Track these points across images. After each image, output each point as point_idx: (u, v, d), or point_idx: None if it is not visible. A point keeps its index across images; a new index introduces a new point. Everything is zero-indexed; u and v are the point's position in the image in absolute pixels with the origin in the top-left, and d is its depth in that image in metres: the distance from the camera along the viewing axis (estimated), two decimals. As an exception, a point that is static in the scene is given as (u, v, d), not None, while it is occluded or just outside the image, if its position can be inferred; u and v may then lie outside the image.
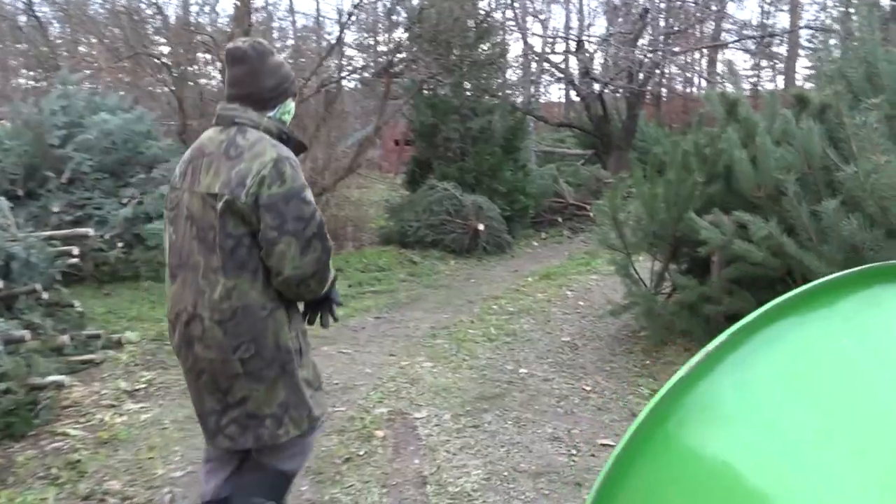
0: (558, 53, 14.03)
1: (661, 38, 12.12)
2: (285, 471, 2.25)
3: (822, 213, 4.18)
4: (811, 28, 19.06)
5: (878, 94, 4.66)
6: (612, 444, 3.55)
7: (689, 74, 30.34)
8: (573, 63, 14.99)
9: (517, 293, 6.86)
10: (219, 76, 9.19)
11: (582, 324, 5.71)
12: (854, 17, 6.02)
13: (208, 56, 9.27)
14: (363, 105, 13.64)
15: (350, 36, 11.99)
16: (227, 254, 2.01)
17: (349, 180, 10.29)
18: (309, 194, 2.08)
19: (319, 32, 14.29)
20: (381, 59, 11.19)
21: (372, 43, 13.34)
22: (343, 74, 9.82)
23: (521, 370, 4.61)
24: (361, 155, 10.21)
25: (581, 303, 6.42)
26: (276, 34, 13.97)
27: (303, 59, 10.72)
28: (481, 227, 8.90)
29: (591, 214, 11.51)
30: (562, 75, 13.86)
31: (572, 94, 19.44)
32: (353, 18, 10.46)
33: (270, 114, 2.16)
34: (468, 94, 10.12)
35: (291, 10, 20.15)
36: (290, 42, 14.14)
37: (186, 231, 2.08)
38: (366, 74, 10.82)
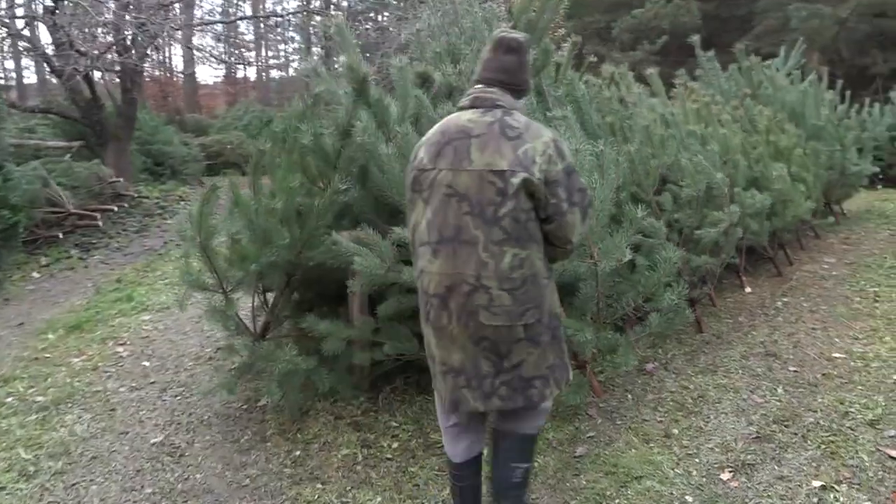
0: (19, 18, 10.71)
1: (153, 10, 10.14)
2: (531, 434, 2.47)
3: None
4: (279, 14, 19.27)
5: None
6: None
7: (165, 57, 28.40)
8: (41, 36, 11.80)
9: (39, 365, 4.52)
10: None
11: (168, 403, 3.88)
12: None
13: None
14: None
15: None
16: (521, 226, 2.14)
17: None
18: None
19: None
20: None
21: None
22: None
23: (106, 529, 2.69)
24: None
25: (147, 363, 4.50)
26: None
27: None
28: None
29: (100, 224, 9.14)
30: (31, 48, 10.61)
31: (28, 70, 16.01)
32: None
33: (518, 104, 2.31)
34: None
35: None
36: None
37: (453, 208, 2.16)
38: None
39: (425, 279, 2.24)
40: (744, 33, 17.00)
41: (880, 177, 11.69)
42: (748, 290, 5.97)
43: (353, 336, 3.56)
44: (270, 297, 4.14)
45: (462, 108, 2.30)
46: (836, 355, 4.42)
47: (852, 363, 4.28)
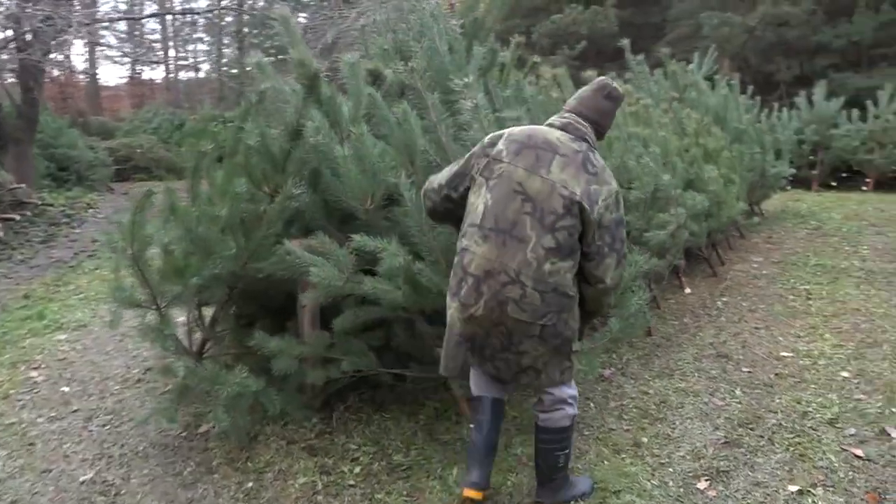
0: None
1: (58, 1, 9.38)
2: (564, 426, 2.66)
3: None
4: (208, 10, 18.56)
5: (440, 76, 3.88)
6: None
7: (65, 56, 26.81)
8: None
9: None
10: None
11: (96, 434, 3.49)
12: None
13: None
14: None
15: None
16: (572, 240, 2.39)
17: None
18: None
19: None
20: None
21: None
22: None
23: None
24: None
25: (67, 389, 4.07)
26: None
27: None
28: None
29: (1, 234, 8.43)
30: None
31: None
32: None
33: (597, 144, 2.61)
34: None
35: None
36: None
37: (515, 204, 2.38)
38: None
39: (467, 257, 2.45)
40: (658, 40, 17.47)
41: (789, 178, 12.23)
42: (688, 290, 6.02)
43: (306, 353, 3.30)
44: (205, 311, 3.84)
45: (552, 126, 2.57)
46: (784, 354, 4.47)
47: (801, 362, 4.33)
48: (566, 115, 2.60)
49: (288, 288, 3.49)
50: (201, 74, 32.63)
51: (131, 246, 3.13)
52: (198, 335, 3.73)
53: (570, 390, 2.68)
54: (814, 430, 3.45)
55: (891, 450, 3.24)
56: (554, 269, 2.37)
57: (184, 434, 3.40)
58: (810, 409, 3.68)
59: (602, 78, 2.67)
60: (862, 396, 3.82)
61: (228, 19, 27.81)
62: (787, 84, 16.45)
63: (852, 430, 3.43)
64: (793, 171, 9.70)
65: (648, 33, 18.89)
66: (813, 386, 3.96)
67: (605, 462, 3.15)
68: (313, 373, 3.31)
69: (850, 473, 3.04)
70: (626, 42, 8.14)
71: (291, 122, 3.23)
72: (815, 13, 16.16)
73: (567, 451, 2.73)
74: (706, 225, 6.03)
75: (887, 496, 2.88)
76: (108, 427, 3.52)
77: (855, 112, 12.89)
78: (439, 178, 2.70)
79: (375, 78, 3.72)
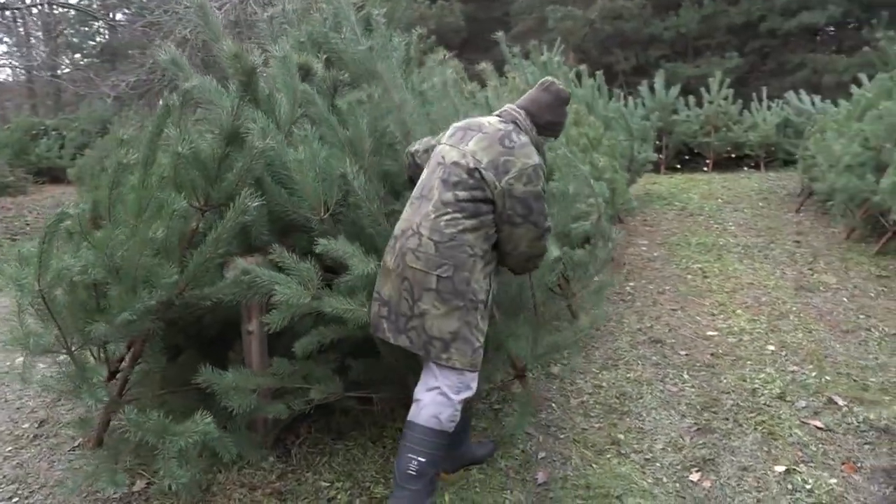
0: None
1: None
2: (431, 427, 2.43)
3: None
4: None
5: (358, 66, 3.60)
6: None
7: None
8: None
9: None
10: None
11: (-2, 510, 2.87)
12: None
13: None
14: None
15: None
16: (472, 204, 2.45)
17: None
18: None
19: None
20: None
21: None
22: None
23: None
24: None
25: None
26: None
27: None
28: None
29: None
30: None
31: None
32: None
33: (534, 135, 2.66)
34: None
35: None
36: None
37: (436, 173, 2.55)
38: None
39: (398, 226, 2.59)
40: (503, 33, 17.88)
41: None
42: (596, 277, 6.10)
43: (264, 385, 2.90)
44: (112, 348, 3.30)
45: (494, 114, 2.74)
46: (710, 333, 4.61)
47: (729, 339, 4.49)
48: (506, 106, 2.72)
49: (226, 314, 3.06)
50: (1, 78, 29.31)
51: (38, 281, 2.58)
52: (106, 375, 3.18)
53: (465, 388, 2.49)
54: (769, 406, 3.55)
55: (844, 417, 3.40)
56: (451, 221, 2.43)
57: (116, 496, 2.87)
58: (756, 385, 3.79)
59: (546, 77, 2.78)
60: (795, 368, 4.00)
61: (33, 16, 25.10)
62: (625, 74, 17.46)
63: (803, 403, 3.57)
64: (655, 156, 10.21)
65: (493, 27, 19.27)
66: (749, 362, 4.10)
67: (594, 465, 3.04)
68: (272, 407, 2.92)
69: (821, 446, 3.14)
70: (500, 34, 8.16)
71: (226, 124, 2.80)
72: (646, 7, 17.27)
73: (424, 461, 2.41)
74: (607, 212, 6.14)
75: (860, 464, 3.00)
76: (16, 499, 2.89)
77: (692, 99, 13.87)
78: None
79: (306, 73, 3.35)
